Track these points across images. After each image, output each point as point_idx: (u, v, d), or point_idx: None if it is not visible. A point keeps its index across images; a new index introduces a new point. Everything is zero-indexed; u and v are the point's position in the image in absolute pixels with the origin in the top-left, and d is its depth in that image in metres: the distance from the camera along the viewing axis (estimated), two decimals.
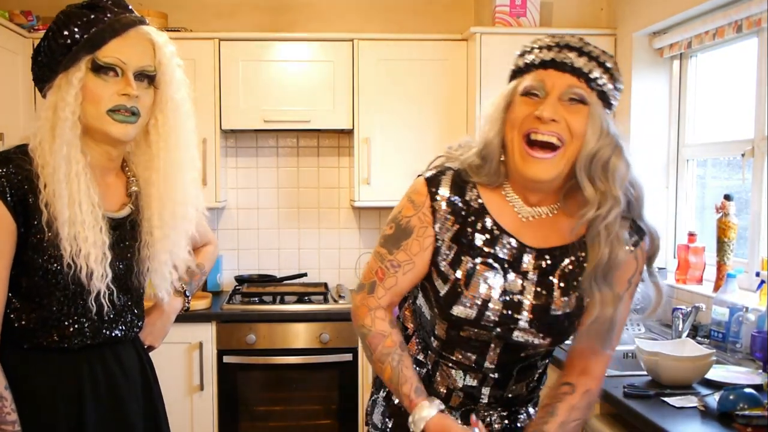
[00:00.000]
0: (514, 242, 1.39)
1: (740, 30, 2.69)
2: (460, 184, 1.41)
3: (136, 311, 1.72)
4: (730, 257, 2.72)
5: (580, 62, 1.31)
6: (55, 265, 1.52)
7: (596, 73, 1.32)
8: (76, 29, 1.51)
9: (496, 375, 1.46)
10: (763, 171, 2.67)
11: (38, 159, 1.50)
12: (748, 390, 1.84)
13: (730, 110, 3.06)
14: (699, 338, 2.56)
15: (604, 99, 1.33)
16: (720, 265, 2.73)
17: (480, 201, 1.40)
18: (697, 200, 3.28)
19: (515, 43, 3.41)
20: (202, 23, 3.82)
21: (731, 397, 1.82)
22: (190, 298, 1.89)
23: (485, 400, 1.49)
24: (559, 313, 1.38)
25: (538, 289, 1.39)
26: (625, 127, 3.38)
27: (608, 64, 1.34)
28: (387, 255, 1.43)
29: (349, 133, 3.80)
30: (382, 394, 1.60)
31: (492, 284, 1.37)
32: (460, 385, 1.48)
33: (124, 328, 1.68)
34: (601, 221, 1.32)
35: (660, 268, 2.99)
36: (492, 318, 1.38)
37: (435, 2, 3.97)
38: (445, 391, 1.51)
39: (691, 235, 2.97)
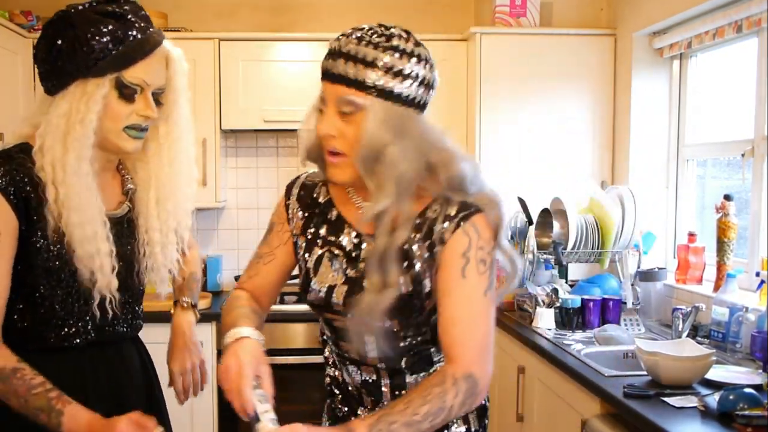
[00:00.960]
0: (354, 232, 1.45)
1: (740, 30, 2.69)
2: (310, 184, 1.52)
3: (137, 309, 1.73)
4: (730, 257, 2.72)
5: (348, 71, 1.27)
6: (58, 264, 1.52)
7: (369, 76, 1.27)
8: (105, 40, 1.47)
9: (383, 366, 1.46)
10: (763, 171, 2.67)
11: (46, 165, 1.49)
12: (748, 390, 1.84)
13: (730, 110, 3.06)
14: (699, 338, 2.56)
15: (387, 94, 1.29)
16: (720, 265, 2.73)
17: (328, 196, 1.50)
18: (697, 200, 3.28)
19: (515, 43, 3.48)
20: (202, 23, 3.82)
21: (731, 397, 1.82)
22: (197, 306, 1.89)
23: (389, 397, 1.48)
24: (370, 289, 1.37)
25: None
26: (625, 128, 3.41)
27: (385, 58, 1.27)
28: (257, 248, 1.59)
29: None
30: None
31: (335, 271, 1.44)
32: (359, 381, 1.50)
33: (126, 326, 1.69)
34: (376, 212, 1.32)
35: (660, 268, 3.05)
36: (339, 303, 1.43)
37: (435, 2, 3.97)
38: (355, 391, 1.53)
39: (691, 235, 2.97)
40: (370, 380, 1.49)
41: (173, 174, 1.67)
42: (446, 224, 1.35)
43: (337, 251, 1.45)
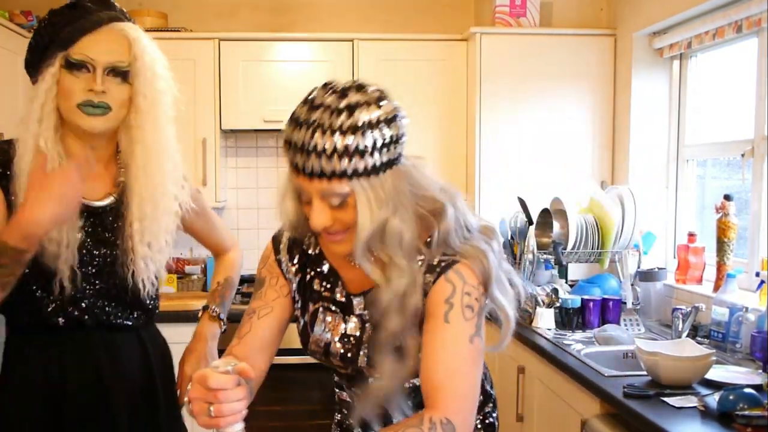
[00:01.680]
0: (344, 288, 1.42)
1: (740, 30, 2.69)
2: (299, 236, 1.45)
3: (131, 300, 1.72)
4: (729, 257, 2.72)
5: (323, 166, 1.18)
6: None
7: (347, 165, 1.18)
8: (51, 28, 1.60)
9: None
10: (763, 171, 2.67)
11: (18, 149, 1.59)
12: (747, 390, 1.84)
13: (729, 110, 3.06)
14: (699, 338, 2.55)
15: (370, 171, 1.21)
16: (720, 265, 2.73)
17: (318, 248, 1.44)
18: (696, 200, 3.28)
19: (515, 44, 3.48)
20: (202, 23, 3.82)
21: (731, 397, 1.82)
22: (224, 319, 1.89)
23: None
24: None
25: (368, 327, 1.38)
26: (625, 128, 3.41)
27: (357, 142, 1.18)
28: (248, 306, 1.48)
29: None
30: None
31: (331, 327, 1.42)
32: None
33: (121, 314, 1.71)
34: (394, 295, 1.27)
35: (660, 268, 3.05)
36: (338, 358, 1.41)
37: (435, 2, 3.97)
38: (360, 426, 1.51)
39: (691, 235, 2.97)
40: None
41: (150, 155, 1.67)
42: (428, 275, 1.30)
43: (332, 306, 1.42)
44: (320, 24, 3.90)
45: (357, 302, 1.39)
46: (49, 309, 1.63)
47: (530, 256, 3.12)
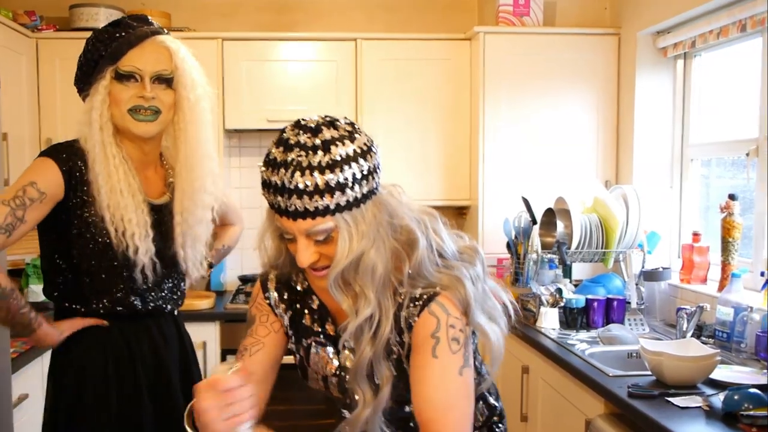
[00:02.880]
0: (333, 322, 1.43)
1: (744, 29, 2.68)
2: (285, 274, 1.46)
3: (181, 287, 1.99)
4: (734, 257, 2.71)
5: (305, 206, 1.20)
6: (105, 240, 1.77)
7: (329, 202, 1.19)
8: (100, 45, 1.79)
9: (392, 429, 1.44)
10: None
11: (86, 153, 1.80)
12: (752, 390, 1.83)
13: (734, 109, 3.05)
14: (703, 338, 2.55)
15: (351, 205, 1.22)
16: (724, 265, 2.72)
17: (306, 283, 1.46)
18: (701, 200, 3.28)
19: (519, 43, 3.48)
20: (205, 23, 3.82)
21: (736, 397, 1.82)
22: (212, 263, 2.16)
23: None
24: (379, 383, 1.35)
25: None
26: (629, 127, 3.40)
27: (336, 177, 1.19)
28: (240, 346, 1.48)
29: None
30: None
31: (327, 360, 1.43)
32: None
33: (170, 301, 1.95)
34: (358, 324, 1.29)
35: (664, 268, 3.04)
36: (336, 390, 1.43)
37: (438, 2, 3.97)
38: None
39: (696, 234, 2.96)
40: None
41: (191, 154, 1.87)
42: (411, 308, 1.30)
43: (324, 340, 1.43)
44: (323, 23, 3.89)
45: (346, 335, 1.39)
46: (130, 298, 1.85)
47: (534, 255, 3.12)
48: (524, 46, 3.49)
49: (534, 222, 3.23)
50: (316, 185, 1.19)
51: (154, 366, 1.89)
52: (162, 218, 1.88)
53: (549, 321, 2.91)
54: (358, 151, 1.22)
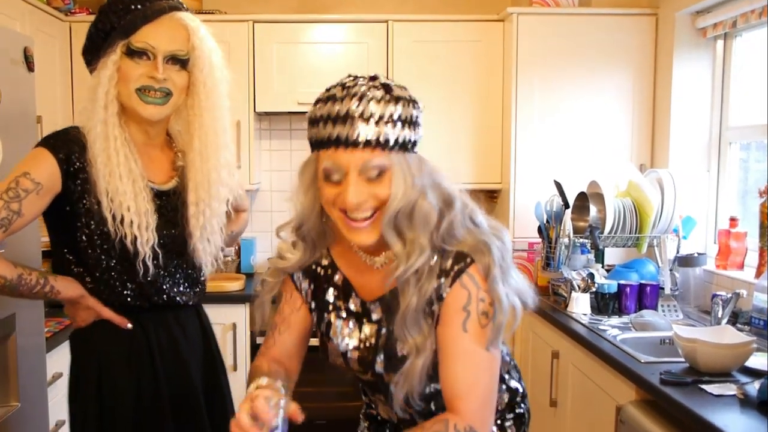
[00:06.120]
0: (359, 300, 1.42)
1: None
2: (310, 243, 1.46)
3: (196, 276, 1.86)
4: None
5: (368, 133, 1.20)
6: (105, 229, 1.66)
7: (390, 133, 1.21)
8: (113, 16, 1.66)
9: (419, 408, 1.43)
10: None
11: (84, 132, 1.68)
12: None
13: None
14: (739, 325, 2.50)
15: (404, 146, 1.24)
16: (762, 251, 2.66)
17: (330, 259, 1.45)
18: (739, 184, 3.20)
19: (553, 24, 3.42)
20: (236, 6, 3.82)
21: None
22: (223, 247, 2.00)
23: None
24: (407, 353, 1.34)
25: (384, 333, 1.38)
26: (665, 110, 3.33)
27: (399, 111, 1.22)
28: (272, 318, 1.52)
29: None
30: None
31: (346, 335, 1.43)
32: (395, 420, 1.51)
33: (186, 292, 1.83)
34: (409, 271, 1.28)
35: (700, 254, 2.98)
36: (357, 363, 1.43)
37: None
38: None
39: (733, 219, 2.90)
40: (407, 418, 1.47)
41: (207, 143, 1.76)
42: (443, 279, 1.30)
43: (345, 315, 1.43)
44: (354, 5, 3.87)
45: (373, 308, 1.40)
46: (128, 290, 1.74)
47: (566, 240, 3.08)
48: (558, 27, 3.43)
49: (566, 206, 3.19)
50: (382, 114, 1.21)
51: (172, 359, 1.80)
52: (168, 204, 1.77)
53: (580, 306, 2.88)
54: (415, 100, 1.28)
